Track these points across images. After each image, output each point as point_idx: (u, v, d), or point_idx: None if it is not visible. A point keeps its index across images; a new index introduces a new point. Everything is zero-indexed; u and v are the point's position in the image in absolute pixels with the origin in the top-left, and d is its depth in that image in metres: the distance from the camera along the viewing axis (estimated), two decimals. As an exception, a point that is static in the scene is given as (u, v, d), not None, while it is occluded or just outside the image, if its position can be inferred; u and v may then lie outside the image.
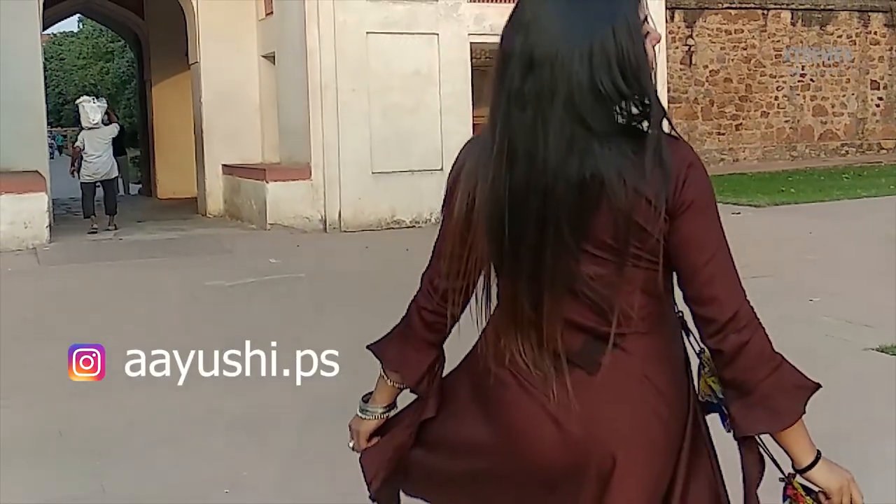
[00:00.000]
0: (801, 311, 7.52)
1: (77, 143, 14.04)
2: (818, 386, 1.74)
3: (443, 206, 1.84)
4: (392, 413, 2.03)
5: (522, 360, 1.73)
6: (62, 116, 50.08)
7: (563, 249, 1.64)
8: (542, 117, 1.61)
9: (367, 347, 2.02)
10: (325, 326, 7.33)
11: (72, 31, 49.28)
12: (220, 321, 7.65)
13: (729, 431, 1.75)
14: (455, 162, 1.82)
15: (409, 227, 13.37)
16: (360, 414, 2.04)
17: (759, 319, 1.72)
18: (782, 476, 1.76)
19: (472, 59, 13.96)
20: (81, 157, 13.74)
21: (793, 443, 1.70)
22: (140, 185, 22.18)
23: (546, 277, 1.66)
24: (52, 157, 14.69)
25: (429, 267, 1.91)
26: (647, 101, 1.64)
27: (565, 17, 1.62)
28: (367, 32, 13.12)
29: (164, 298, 8.71)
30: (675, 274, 1.75)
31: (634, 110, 1.65)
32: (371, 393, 2.04)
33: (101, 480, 4.59)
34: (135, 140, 25.27)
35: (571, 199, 1.62)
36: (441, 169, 13.56)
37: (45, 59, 13.65)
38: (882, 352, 6.21)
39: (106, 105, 14.13)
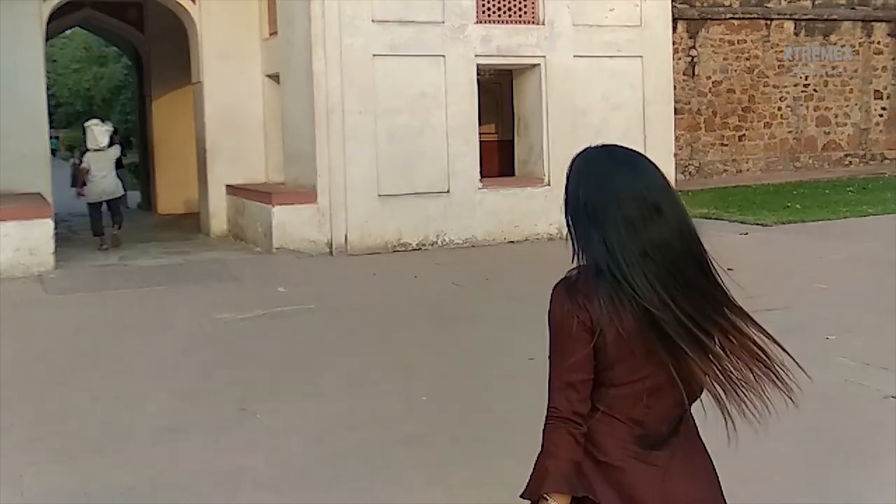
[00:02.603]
0: (818, 351, 7.41)
1: (83, 165, 14.57)
2: None
3: (567, 344, 2.17)
4: None
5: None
6: (54, 119, 49.87)
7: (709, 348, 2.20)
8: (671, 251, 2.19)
9: (523, 496, 2.21)
10: (343, 372, 7.27)
11: (65, 34, 49.09)
12: (236, 364, 7.60)
13: None
14: (562, 313, 2.18)
15: (415, 250, 13.31)
16: None
17: None
18: None
19: (482, 78, 13.90)
20: (87, 178, 14.33)
21: None
22: (139, 198, 22.17)
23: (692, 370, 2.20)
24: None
25: (562, 398, 2.18)
26: None
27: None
28: (374, 55, 13.04)
29: (175, 335, 8.61)
30: None
31: None
32: None
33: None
34: (129, 143, 25.27)
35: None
36: (447, 191, 13.51)
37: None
38: (904, 400, 6.15)
39: (112, 128, 14.62)
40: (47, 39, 14.93)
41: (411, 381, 6.90)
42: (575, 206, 2.25)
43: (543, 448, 2.19)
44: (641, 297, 2.12)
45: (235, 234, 14.92)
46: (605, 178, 2.22)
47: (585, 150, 2.32)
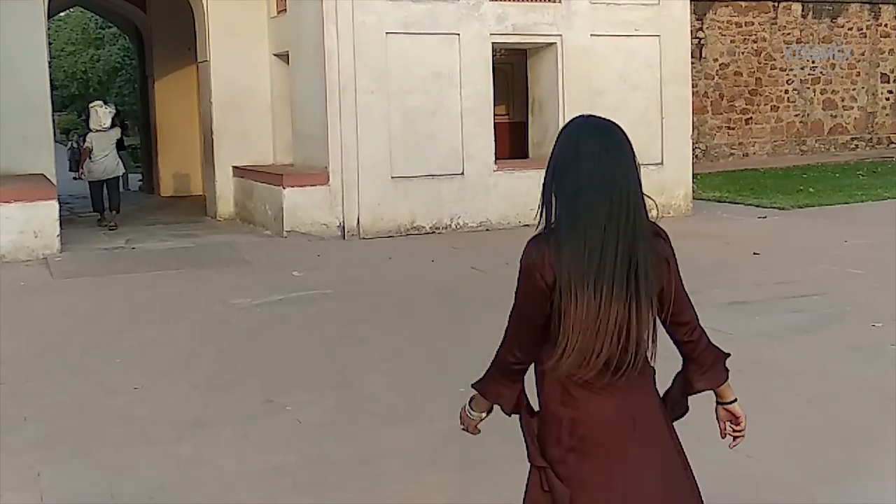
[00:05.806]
0: (867, 339, 7.18)
1: (86, 144, 14.42)
2: (728, 354, 2.71)
3: (526, 289, 2.52)
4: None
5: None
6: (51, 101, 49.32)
7: (643, 302, 2.48)
8: (620, 217, 2.44)
9: (472, 386, 2.77)
10: (369, 361, 6.99)
11: (59, 16, 48.43)
12: (257, 353, 7.29)
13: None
14: (528, 261, 2.49)
15: (428, 234, 12.98)
16: (469, 414, 2.82)
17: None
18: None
19: (493, 58, 13.54)
20: (89, 158, 14.27)
21: (726, 389, 2.72)
22: (140, 180, 21.79)
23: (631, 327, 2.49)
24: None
25: (513, 329, 2.64)
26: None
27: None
28: (387, 33, 12.65)
29: (190, 322, 8.29)
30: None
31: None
32: (472, 399, 2.81)
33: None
34: (124, 126, 24.83)
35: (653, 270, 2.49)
36: (462, 173, 13.19)
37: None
38: (963, 392, 5.88)
39: (115, 110, 14.65)
40: (49, 17, 14.55)
41: (444, 372, 6.55)
42: (548, 168, 2.52)
43: (493, 361, 2.71)
44: (564, 260, 2.41)
45: (243, 216, 14.56)
46: (575, 142, 2.48)
47: (570, 120, 2.57)
